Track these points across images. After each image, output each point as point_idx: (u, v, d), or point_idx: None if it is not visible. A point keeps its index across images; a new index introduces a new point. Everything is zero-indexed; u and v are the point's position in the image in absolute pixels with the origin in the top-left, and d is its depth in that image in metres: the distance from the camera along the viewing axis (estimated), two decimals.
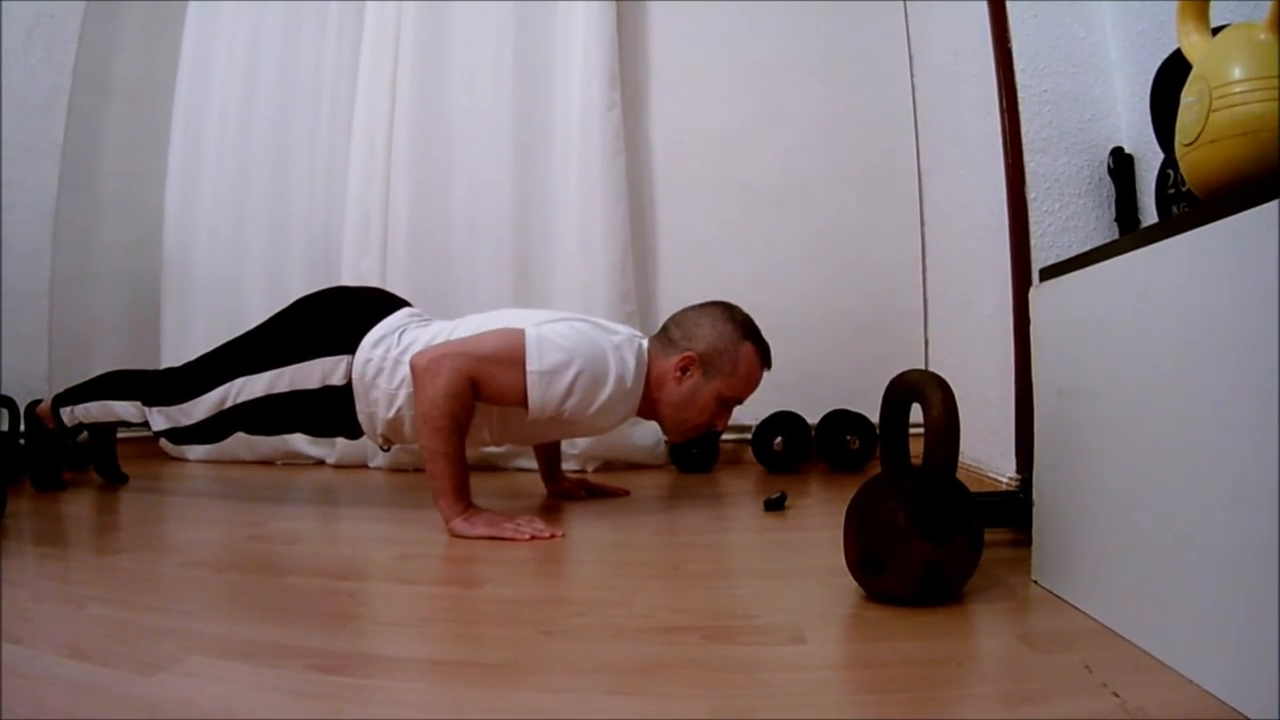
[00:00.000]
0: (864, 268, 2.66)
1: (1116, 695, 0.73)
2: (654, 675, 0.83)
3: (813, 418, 2.48)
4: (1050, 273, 1.12)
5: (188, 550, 1.49)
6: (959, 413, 1.03)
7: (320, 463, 2.80)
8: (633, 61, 2.76)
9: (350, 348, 1.73)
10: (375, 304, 1.85)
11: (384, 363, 1.71)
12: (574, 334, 1.64)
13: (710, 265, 2.70)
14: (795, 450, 2.47)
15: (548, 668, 0.86)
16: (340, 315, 1.82)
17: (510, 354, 1.58)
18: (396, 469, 2.62)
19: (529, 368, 1.57)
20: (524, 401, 1.59)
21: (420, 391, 1.57)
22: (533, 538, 1.48)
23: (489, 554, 1.39)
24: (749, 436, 2.52)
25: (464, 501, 1.56)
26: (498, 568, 1.31)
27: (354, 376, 1.72)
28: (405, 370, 1.68)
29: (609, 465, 2.56)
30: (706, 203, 2.75)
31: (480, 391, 1.58)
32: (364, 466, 2.70)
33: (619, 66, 2.64)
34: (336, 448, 2.74)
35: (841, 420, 2.48)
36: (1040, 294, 1.14)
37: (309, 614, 1.08)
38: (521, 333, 1.61)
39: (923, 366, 2.19)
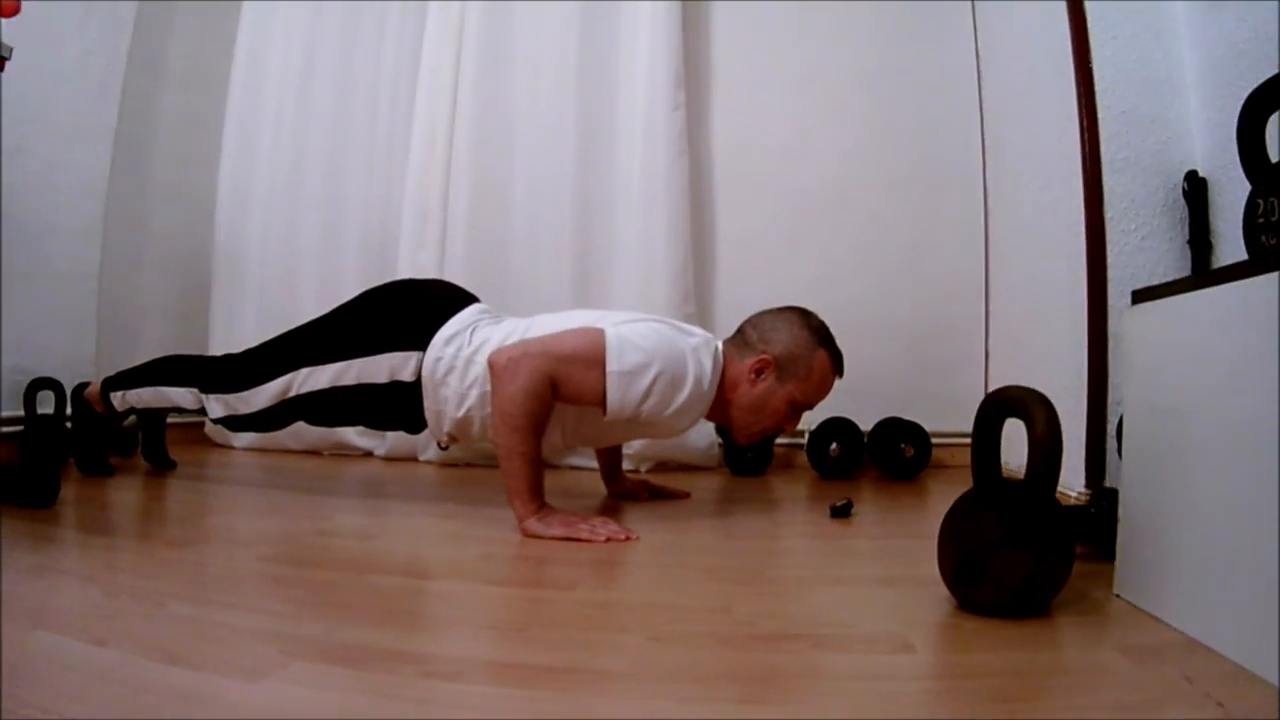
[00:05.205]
0: (920, 277, 2.68)
1: (1220, 705, 0.76)
2: (777, 684, 0.85)
3: (864, 424, 2.50)
4: (1143, 296, 1.15)
5: (257, 544, 1.47)
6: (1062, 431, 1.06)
7: (369, 454, 2.79)
8: (695, 64, 2.76)
9: (421, 344, 1.73)
10: (446, 300, 1.85)
11: (455, 361, 1.70)
12: (654, 335, 1.64)
13: (766, 268, 2.71)
14: (849, 457, 2.49)
15: (670, 676, 0.86)
16: (411, 310, 1.82)
17: (591, 354, 1.58)
18: (448, 464, 2.61)
19: (609, 368, 1.57)
20: (602, 402, 1.59)
21: (499, 389, 1.56)
22: (608, 539, 1.48)
23: (565, 555, 1.40)
24: (802, 441, 2.55)
25: (538, 501, 1.55)
26: (581, 570, 1.32)
27: (424, 374, 1.72)
28: (477, 370, 1.68)
29: (662, 466, 2.56)
30: (765, 206, 2.76)
31: (559, 391, 1.58)
32: (414, 460, 2.70)
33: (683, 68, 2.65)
34: (387, 440, 2.74)
35: (896, 428, 2.49)
36: (1133, 316, 1.16)
37: (404, 615, 1.09)
38: (601, 333, 1.61)
39: (981, 378, 2.20)
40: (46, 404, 2.28)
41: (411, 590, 1.21)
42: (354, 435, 2.78)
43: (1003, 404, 1.13)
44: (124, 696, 0.76)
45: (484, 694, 0.81)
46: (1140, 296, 1.16)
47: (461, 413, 1.72)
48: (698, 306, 2.63)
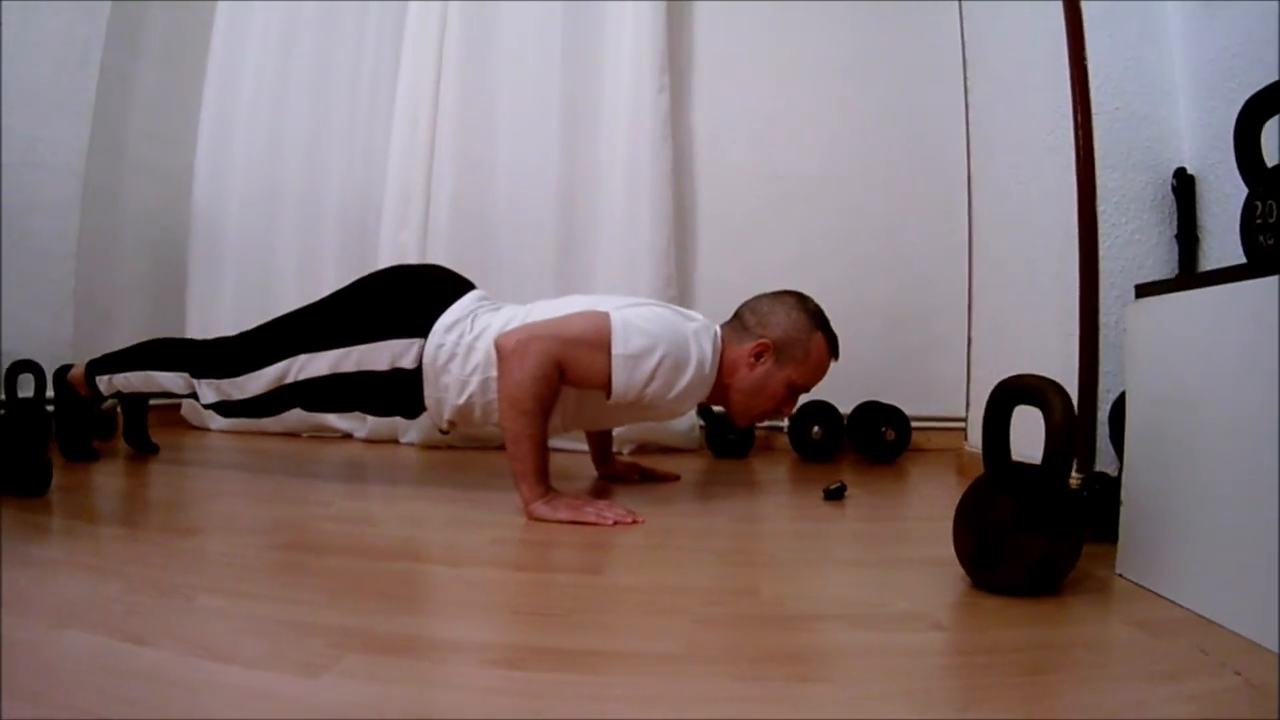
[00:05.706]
0: (901, 262, 2.75)
1: (1238, 674, 0.82)
2: (824, 662, 0.88)
3: (844, 408, 2.56)
4: (1146, 290, 1.20)
5: (265, 531, 1.44)
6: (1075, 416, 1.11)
7: (348, 436, 2.79)
8: (679, 47, 2.78)
9: (422, 331, 1.73)
10: (445, 286, 1.84)
11: (457, 349, 1.71)
12: (657, 319, 1.66)
13: (748, 252, 2.76)
14: (830, 439, 2.54)
15: (723, 657, 0.88)
16: (411, 297, 1.81)
17: (597, 337, 1.60)
18: (429, 445, 2.62)
19: (615, 351, 1.58)
20: (606, 385, 1.61)
21: (507, 373, 1.57)
22: (615, 523, 1.49)
23: (574, 539, 1.41)
24: (783, 424, 2.60)
25: (544, 484, 1.56)
26: (595, 554, 1.33)
27: (425, 361, 1.72)
28: (478, 357, 1.69)
29: (643, 448, 2.59)
30: (747, 190, 2.81)
31: (565, 375, 1.59)
32: (395, 442, 2.70)
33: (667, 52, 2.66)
34: (367, 423, 2.73)
35: (876, 411, 2.56)
36: (1136, 309, 1.22)
37: (439, 603, 1.10)
38: (606, 316, 1.62)
39: (962, 364, 2.26)
40: (26, 387, 2.23)
41: (437, 576, 1.21)
42: (334, 418, 2.76)
43: (1017, 391, 1.17)
44: (180, 698, 0.73)
45: (552, 680, 0.80)
46: (1143, 291, 1.21)
47: (463, 399, 1.73)
48: (680, 289, 2.65)
